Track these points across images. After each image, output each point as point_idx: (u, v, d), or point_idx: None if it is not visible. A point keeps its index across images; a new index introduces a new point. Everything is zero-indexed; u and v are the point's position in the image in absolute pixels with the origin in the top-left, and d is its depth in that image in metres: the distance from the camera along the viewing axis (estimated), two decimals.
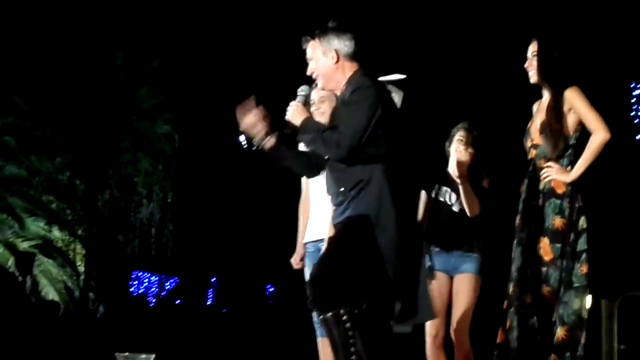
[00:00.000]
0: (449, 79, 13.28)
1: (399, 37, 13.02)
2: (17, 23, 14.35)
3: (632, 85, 13.24)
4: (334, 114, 4.68)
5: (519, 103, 5.46)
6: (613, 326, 6.30)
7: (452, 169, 5.70)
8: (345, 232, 4.43)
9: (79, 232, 15.62)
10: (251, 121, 4.60)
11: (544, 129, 5.08)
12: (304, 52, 4.70)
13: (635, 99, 13.21)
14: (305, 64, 4.68)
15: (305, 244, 5.33)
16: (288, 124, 4.62)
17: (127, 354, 4.21)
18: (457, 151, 5.71)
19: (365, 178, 4.39)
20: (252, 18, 14.90)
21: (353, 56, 4.56)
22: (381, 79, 4.70)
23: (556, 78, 5.10)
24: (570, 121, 5.05)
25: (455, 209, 5.69)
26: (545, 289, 4.92)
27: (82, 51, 14.93)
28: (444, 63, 13.38)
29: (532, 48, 5.18)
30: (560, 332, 4.88)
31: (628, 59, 12.67)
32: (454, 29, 13.17)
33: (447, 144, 5.84)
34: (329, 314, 4.30)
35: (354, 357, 4.27)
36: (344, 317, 4.27)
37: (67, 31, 14.74)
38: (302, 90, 4.71)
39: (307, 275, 5.28)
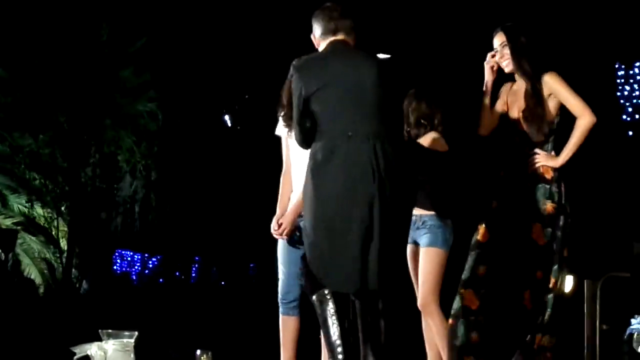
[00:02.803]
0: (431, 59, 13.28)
1: (387, 16, 13.01)
2: None
3: (616, 66, 13.27)
4: None
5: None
6: (596, 306, 6.34)
7: None
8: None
9: (62, 209, 15.57)
10: None
11: (526, 115, 5.13)
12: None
13: (620, 79, 13.25)
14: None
15: None
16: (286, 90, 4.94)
17: (110, 330, 4.21)
18: None
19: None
20: None
21: (328, 34, 4.65)
22: None
23: (531, 64, 5.15)
24: (551, 106, 5.12)
25: None
26: (539, 273, 4.99)
27: (66, 27, 14.84)
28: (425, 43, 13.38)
29: (500, 39, 5.23)
30: (547, 315, 4.99)
31: (612, 39, 12.68)
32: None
33: None
34: (313, 297, 4.44)
35: (335, 335, 4.41)
36: (326, 298, 4.38)
37: (51, 6, 14.64)
38: None
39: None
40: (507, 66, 5.21)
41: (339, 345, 4.38)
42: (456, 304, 5.07)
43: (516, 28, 5.20)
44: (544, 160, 5.07)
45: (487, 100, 5.27)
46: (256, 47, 14.89)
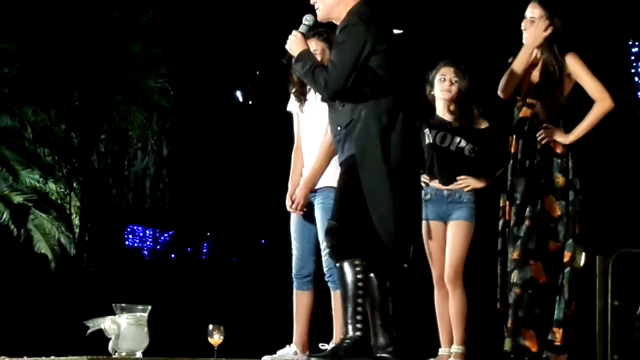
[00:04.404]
0: (445, 34, 13.22)
1: None
2: None
3: (630, 43, 13.20)
4: None
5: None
6: (607, 282, 6.33)
7: (442, 111, 5.70)
8: (341, 177, 4.50)
9: (74, 184, 15.62)
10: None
11: (541, 92, 5.13)
12: (304, 6, 4.67)
13: (634, 56, 13.18)
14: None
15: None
16: (286, 52, 4.60)
17: (123, 304, 4.22)
18: (443, 90, 5.67)
19: (355, 117, 4.38)
20: None
21: None
22: None
23: (559, 46, 5.12)
24: (566, 85, 5.11)
25: (452, 148, 5.66)
26: (553, 245, 5.00)
27: (78, 2, 14.84)
28: (440, 18, 13.33)
29: (532, 12, 5.19)
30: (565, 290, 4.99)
31: (626, 16, 12.61)
32: None
33: (427, 89, 5.79)
34: (343, 263, 4.33)
35: (359, 308, 4.31)
36: (357, 268, 4.30)
37: None
38: (306, 20, 4.66)
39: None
40: (527, 38, 5.18)
41: (359, 321, 4.30)
42: (523, 273, 5.04)
43: (554, 7, 5.14)
44: (554, 136, 5.09)
45: (521, 69, 5.18)
46: (268, 22, 14.84)
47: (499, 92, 5.25)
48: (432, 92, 5.75)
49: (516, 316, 5.03)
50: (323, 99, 4.56)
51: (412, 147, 4.48)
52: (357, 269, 4.32)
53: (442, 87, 5.67)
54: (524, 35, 5.21)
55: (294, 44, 4.53)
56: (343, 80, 4.32)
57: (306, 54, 4.52)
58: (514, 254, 5.08)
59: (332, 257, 4.49)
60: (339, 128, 4.48)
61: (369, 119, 4.35)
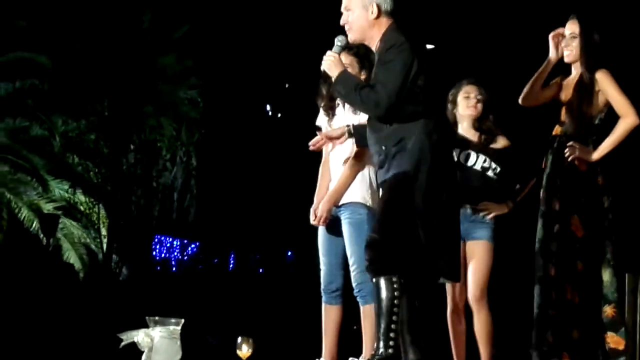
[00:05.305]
0: (474, 49, 13.22)
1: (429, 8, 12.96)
2: None
3: None
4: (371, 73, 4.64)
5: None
6: (636, 300, 6.32)
7: (465, 130, 5.71)
8: (388, 192, 4.45)
9: (103, 195, 15.70)
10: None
11: (571, 108, 5.12)
12: (333, 20, 4.67)
13: None
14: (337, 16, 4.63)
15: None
16: (323, 74, 4.60)
17: (157, 317, 4.24)
18: (469, 107, 5.68)
19: (406, 135, 4.38)
20: None
21: (390, 12, 4.51)
22: None
23: (595, 61, 5.11)
24: (597, 102, 5.09)
25: (476, 167, 5.67)
26: (580, 265, 4.98)
27: (109, 14, 14.95)
28: (468, 33, 13.32)
29: (571, 28, 5.17)
30: (609, 309, 4.95)
31: None
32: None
33: (449, 107, 5.79)
34: (380, 279, 4.33)
35: (393, 325, 4.30)
36: (394, 285, 4.30)
37: None
38: (339, 41, 4.65)
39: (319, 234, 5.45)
40: (568, 56, 5.18)
41: (392, 338, 4.30)
42: (558, 294, 5.01)
43: (591, 22, 5.14)
44: (579, 153, 5.07)
45: (544, 75, 5.19)
46: (298, 36, 14.91)
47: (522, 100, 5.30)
48: (454, 111, 5.76)
49: (553, 337, 5.01)
50: (373, 118, 4.53)
51: (454, 163, 4.50)
52: (395, 286, 4.30)
53: (468, 104, 5.68)
54: (565, 52, 5.19)
55: (333, 65, 4.53)
56: (394, 99, 4.32)
57: (347, 75, 4.52)
58: (551, 271, 5.07)
59: (369, 272, 4.46)
60: (384, 148, 4.45)
61: (421, 136, 4.36)
